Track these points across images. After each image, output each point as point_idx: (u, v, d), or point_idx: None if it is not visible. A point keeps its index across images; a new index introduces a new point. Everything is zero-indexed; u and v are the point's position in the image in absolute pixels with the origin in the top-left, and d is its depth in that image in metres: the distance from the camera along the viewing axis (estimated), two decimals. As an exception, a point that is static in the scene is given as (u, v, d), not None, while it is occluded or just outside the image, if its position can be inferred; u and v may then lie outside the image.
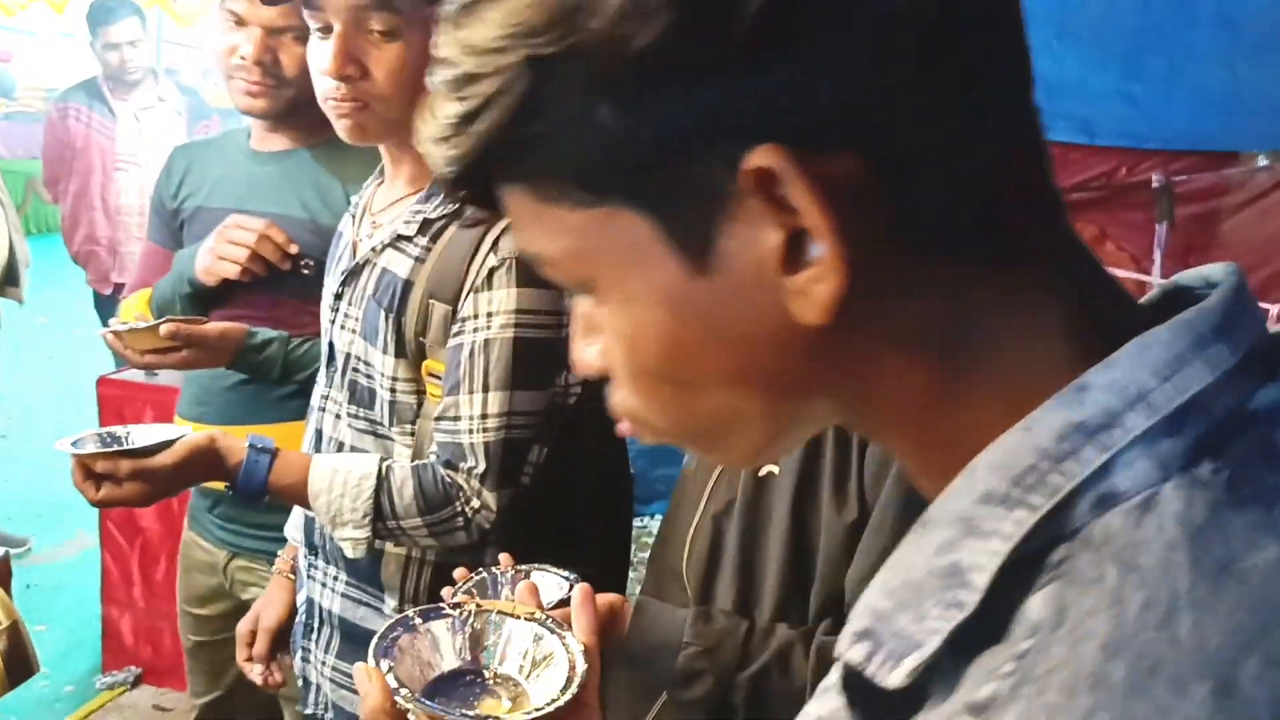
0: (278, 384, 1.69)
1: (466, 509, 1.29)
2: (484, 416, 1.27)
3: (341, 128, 1.30)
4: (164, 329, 1.58)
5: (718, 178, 0.38)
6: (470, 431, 1.27)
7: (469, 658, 0.87)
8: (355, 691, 1.38)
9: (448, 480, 1.29)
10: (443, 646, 0.86)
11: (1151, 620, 0.33)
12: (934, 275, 0.40)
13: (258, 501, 1.34)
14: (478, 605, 0.88)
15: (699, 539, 1.16)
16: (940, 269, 0.40)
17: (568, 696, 0.81)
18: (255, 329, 1.66)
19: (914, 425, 0.43)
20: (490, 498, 1.28)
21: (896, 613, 0.40)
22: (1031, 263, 0.41)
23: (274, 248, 1.66)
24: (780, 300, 0.40)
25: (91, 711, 2.86)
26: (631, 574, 2.00)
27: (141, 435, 1.32)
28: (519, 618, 0.89)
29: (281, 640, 1.61)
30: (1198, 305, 0.39)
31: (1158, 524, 0.35)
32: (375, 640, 0.83)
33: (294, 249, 1.66)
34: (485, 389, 1.26)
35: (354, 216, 1.44)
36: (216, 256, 1.66)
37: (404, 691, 0.79)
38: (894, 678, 0.39)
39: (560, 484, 1.38)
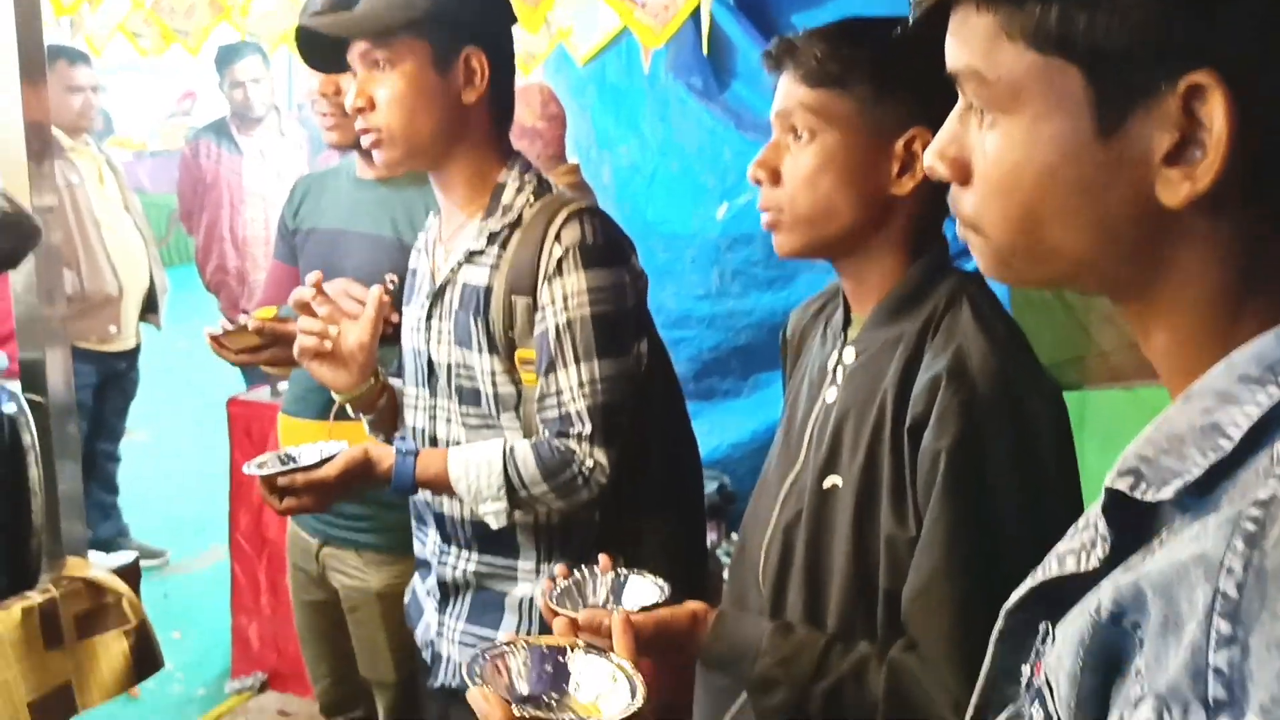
0: None
1: (582, 469, 1.45)
2: (581, 385, 1.43)
3: (376, 160, 1.47)
4: (251, 324, 1.76)
5: (1159, 77, 0.50)
6: (573, 400, 1.44)
7: (542, 686, 0.93)
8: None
9: (561, 448, 1.44)
10: (514, 675, 0.93)
11: None
12: (1262, 215, 0.52)
13: (411, 494, 1.55)
14: (526, 642, 0.96)
15: (773, 549, 1.18)
16: (1268, 213, 0.52)
17: (638, 702, 0.88)
18: None
19: (1188, 318, 0.55)
20: (600, 454, 1.44)
21: (1160, 456, 0.52)
22: None
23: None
24: (1150, 180, 0.52)
25: (221, 715, 3.03)
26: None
27: (308, 453, 1.52)
28: (571, 649, 0.95)
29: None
30: None
31: None
32: (465, 670, 0.91)
33: (395, 318, 1.78)
34: (577, 361, 1.43)
35: (423, 251, 1.62)
36: None
37: (518, 704, 0.87)
38: (1162, 494, 0.51)
39: (633, 457, 1.50)
